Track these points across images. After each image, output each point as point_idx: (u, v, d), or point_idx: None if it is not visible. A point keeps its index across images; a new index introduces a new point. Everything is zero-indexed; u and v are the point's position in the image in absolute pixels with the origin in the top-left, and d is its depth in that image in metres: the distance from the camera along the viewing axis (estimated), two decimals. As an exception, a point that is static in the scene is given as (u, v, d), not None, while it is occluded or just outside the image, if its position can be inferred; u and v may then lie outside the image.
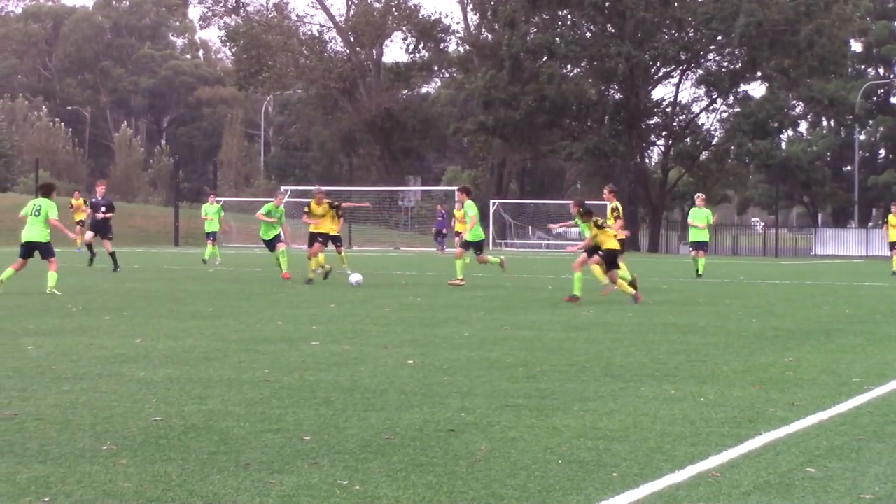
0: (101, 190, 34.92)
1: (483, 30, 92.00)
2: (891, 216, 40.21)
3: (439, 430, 9.11)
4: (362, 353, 13.93)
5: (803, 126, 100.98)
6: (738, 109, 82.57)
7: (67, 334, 15.79)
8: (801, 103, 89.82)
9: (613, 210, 27.30)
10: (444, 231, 59.27)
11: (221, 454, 8.14)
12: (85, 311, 19.66)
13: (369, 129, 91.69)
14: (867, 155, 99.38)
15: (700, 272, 34.04)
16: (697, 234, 34.81)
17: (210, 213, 41.89)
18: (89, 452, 8.16)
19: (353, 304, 21.84)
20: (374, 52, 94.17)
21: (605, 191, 28.05)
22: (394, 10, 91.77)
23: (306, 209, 30.37)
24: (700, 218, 34.78)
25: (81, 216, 49.10)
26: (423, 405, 10.22)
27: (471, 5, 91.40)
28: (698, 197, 36.03)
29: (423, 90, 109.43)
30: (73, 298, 22.15)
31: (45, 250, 23.91)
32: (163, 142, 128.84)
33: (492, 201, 77.33)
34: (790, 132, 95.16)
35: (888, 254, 41.15)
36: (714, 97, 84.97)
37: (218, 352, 13.97)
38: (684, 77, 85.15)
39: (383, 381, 11.68)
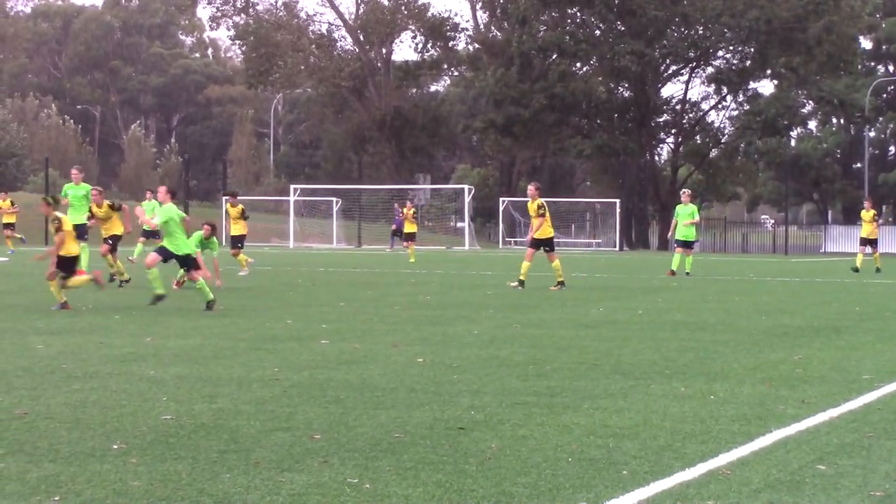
0: None
1: (492, 28, 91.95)
2: (863, 212, 39.95)
3: (449, 428, 9.11)
4: (372, 352, 13.93)
5: (813, 123, 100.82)
6: (747, 107, 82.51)
7: (77, 333, 15.81)
8: (810, 102, 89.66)
9: (539, 207, 26.70)
10: (396, 228, 58.56)
11: (231, 453, 8.14)
12: (94, 309, 19.67)
13: (379, 127, 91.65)
14: (877, 152, 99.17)
15: (684, 269, 33.40)
16: (683, 231, 33.86)
17: (147, 210, 40.13)
18: (99, 451, 8.17)
19: (362, 303, 21.84)
20: (384, 50, 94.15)
21: (531, 187, 27.22)
22: (403, 8, 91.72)
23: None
24: (685, 215, 33.82)
25: (11, 219, 48.56)
26: (433, 403, 10.22)
27: (480, 3, 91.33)
28: (684, 193, 35.06)
29: (433, 88, 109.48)
30: (82, 297, 22.16)
31: None
32: (172, 141, 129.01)
33: (501, 199, 77.40)
34: (800, 129, 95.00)
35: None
36: (724, 95, 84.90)
37: (227, 350, 13.98)
38: (694, 75, 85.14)
39: (393, 379, 11.68)
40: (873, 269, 37.90)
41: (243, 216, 33.23)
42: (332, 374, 12.03)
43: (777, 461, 8.09)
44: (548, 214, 26.80)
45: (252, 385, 11.21)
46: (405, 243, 46.20)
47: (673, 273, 33.17)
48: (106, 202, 26.23)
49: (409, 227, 46.52)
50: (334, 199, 73.62)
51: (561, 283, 26.28)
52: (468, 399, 10.46)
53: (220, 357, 13.33)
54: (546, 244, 26.78)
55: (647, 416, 9.71)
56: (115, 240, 26.17)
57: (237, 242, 32.80)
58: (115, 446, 8.32)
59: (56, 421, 9.27)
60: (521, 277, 26.47)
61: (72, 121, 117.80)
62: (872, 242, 39.00)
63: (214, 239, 25.99)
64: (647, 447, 8.47)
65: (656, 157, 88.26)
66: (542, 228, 26.66)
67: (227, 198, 34.78)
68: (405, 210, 47.52)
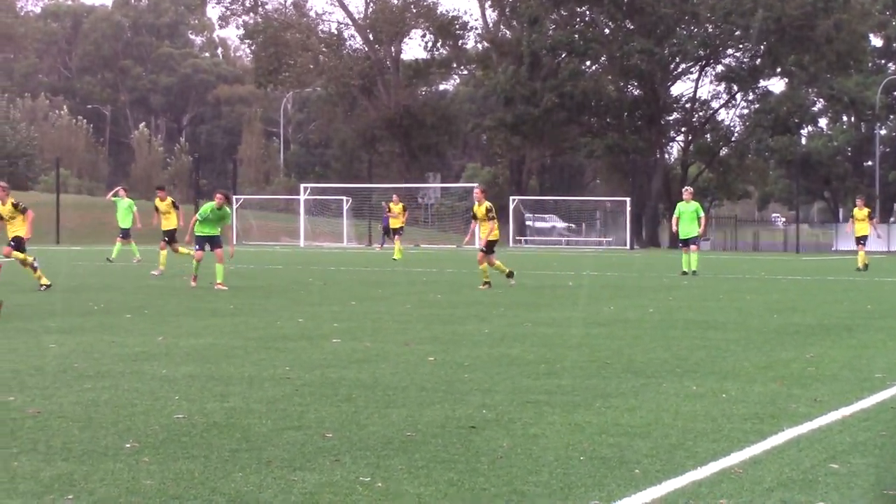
0: None
1: (501, 27, 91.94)
2: (856, 210, 39.71)
3: (461, 426, 9.10)
4: (383, 351, 13.94)
5: (823, 121, 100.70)
6: (757, 105, 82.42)
7: (89, 332, 15.83)
8: (821, 100, 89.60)
9: (488, 210, 26.62)
10: (383, 227, 58.23)
11: (243, 451, 8.15)
12: (106, 309, 19.70)
13: (388, 126, 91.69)
14: (888, 150, 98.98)
15: (694, 269, 33.24)
16: (686, 229, 33.62)
17: (121, 208, 38.86)
18: (112, 450, 8.18)
19: (373, 302, 21.85)
20: (393, 49, 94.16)
21: (477, 190, 27.26)
22: (412, 7, 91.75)
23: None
24: (687, 213, 33.61)
25: None
26: (445, 402, 10.22)
27: (489, 2, 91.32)
28: (686, 191, 34.87)
29: (442, 87, 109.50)
30: (94, 296, 22.20)
31: None
32: (182, 140, 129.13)
33: (511, 198, 77.37)
34: (810, 127, 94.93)
35: None
36: (734, 93, 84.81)
37: (239, 349, 13.99)
38: (704, 73, 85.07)
39: (404, 378, 11.68)
40: (869, 266, 37.78)
41: (175, 207, 33.15)
42: (343, 372, 12.03)
43: (789, 460, 8.08)
44: (496, 219, 26.92)
45: (264, 384, 11.22)
46: (396, 238, 45.96)
47: (685, 273, 33.11)
48: (10, 200, 24.00)
49: (394, 223, 46.34)
50: (344, 198, 73.68)
51: (487, 284, 26.19)
52: (479, 398, 10.45)
53: (231, 356, 13.34)
54: (490, 246, 26.71)
55: (659, 415, 9.70)
56: (17, 241, 24.01)
57: (167, 237, 32.28)
58: (128, 445, 8.34)
59: (69, 420, 9.29)
60: (507, 274, 26.71)
61: (84, 120, 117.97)
62: (864, 239, 38.75)
63: (227, 208, 26.14)
64: (658, 446, 8.46)
65: (666, 156, 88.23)
66: (494, 231, 26.66)
67: (157, 191, 34.39)
68: (391, 206, 47.27)
